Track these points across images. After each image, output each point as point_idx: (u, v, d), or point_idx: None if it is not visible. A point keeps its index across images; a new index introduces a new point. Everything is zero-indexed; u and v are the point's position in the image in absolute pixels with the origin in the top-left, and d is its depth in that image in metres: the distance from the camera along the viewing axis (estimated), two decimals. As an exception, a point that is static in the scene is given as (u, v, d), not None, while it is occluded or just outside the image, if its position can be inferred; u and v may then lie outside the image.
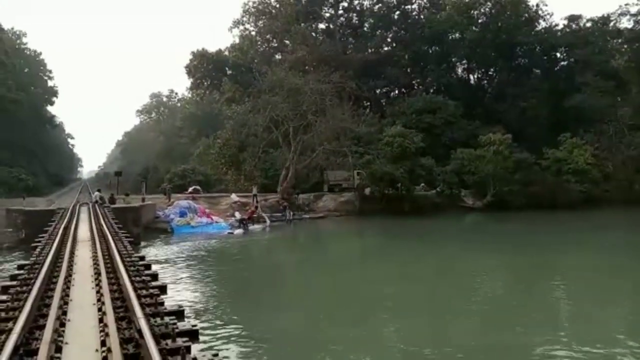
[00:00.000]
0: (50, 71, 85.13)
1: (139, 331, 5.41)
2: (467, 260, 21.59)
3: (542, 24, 69.48)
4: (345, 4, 73.11)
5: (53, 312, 6.19)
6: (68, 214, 22.16)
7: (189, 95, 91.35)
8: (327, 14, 73.46)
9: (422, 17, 71.75)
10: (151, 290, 8.09)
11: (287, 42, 69.89)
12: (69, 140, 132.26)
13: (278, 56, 69.75)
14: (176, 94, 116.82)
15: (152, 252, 23.04)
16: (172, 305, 7.94)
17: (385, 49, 71.94)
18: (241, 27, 73.60)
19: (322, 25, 74.23)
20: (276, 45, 72.14)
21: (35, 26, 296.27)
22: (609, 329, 11.93)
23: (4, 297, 7.87)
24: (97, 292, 7.83)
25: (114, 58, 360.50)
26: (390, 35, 72.86)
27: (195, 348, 6.11)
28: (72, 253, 11.81)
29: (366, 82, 63.51)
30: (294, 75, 49.02)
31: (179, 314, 7.37)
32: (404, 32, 70.95)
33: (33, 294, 7.10)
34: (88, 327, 6.24)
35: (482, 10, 68.99)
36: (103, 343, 5.46)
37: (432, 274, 19.28)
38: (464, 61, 71.85)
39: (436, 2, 72.07)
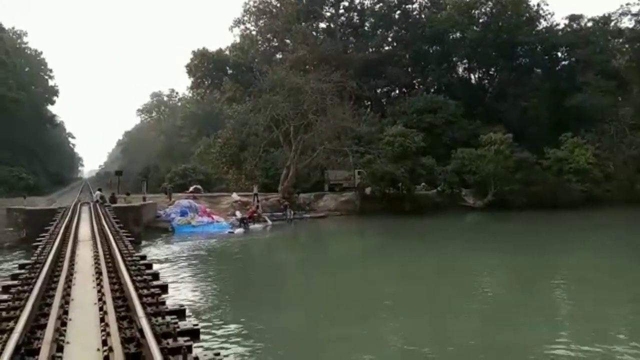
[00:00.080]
0: (50, 70, 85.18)
1: (140, 330, 5.41)
2: (468, 260, 21.59)
3: (543, 24, 69.46)
4: (346, 3, 73.11)
5: (54, 312, 6.20)
6: (69, 214, 22.16)
7: (190, 95, 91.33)
8: (328, 13, 73.49)
9: (422, 16, 71.67)
10: (152, 290, 8.09)
11: (287, 41, 69.85)
12: (70, 139, 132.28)
13: (279, 55, 69.68)
14: (177, 93, 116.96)
15: (153, 251, 23.06)
16: (173, 305, 7.94)
17: (386, 48, 71.86)
18: (242, 27, 73.67)
19: (322, 25, 74.26)
20: (277, 44, 72.09)
21: (36, 26, 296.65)
22: (609, 328, 11.93)
23: (5, 297, 7.88)
24: (99, 291, 7.83)
25: (114, 57, 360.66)
26: (391, 35, 72.78)
27: (196, 347, 6.10)
28: (73, 252, 11.82)
29: (367, 81, 63.47)
30: (295, 74, 49.00)
31: (180, 313, 7.37)
32: (404, 31, 70.87)
33: (34, 293, 7.11)
34: (89, 327, 6.24)
35: (483, 10, 68.91)
36: (104, 342, 5.47)
37: (433, 274, 19.28)
38: (465, 61, 71.76)
39: (437, 2, 71.95)
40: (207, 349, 8.28)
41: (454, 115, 56.34)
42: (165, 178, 53.45)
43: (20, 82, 65.86)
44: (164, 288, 9.25)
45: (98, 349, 5.44)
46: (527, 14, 67.59)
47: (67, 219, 19.71)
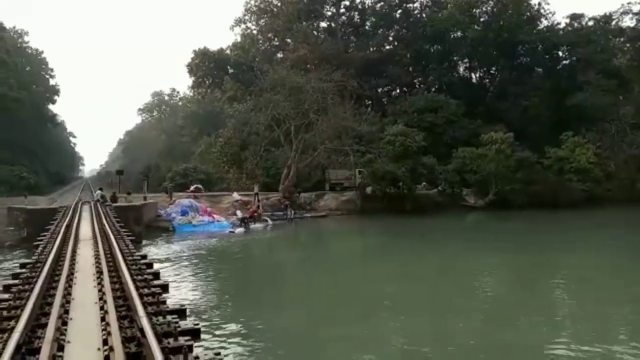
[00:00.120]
0: (51, 70, 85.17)
1: (141, 330, 5.41)
2: (469, 259, 21.58)
3: (544, 23, 69.53)
4: (347, 3, 73.11)
5: (55, 311, 6.20)
6: (70, 213, 22.15)
7: (191, 94, 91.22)
8: (329, 13, 73.45)
9: (423, 15, 71.69)
10: (153, 289, 8.09)
11: (288, 40, 69.87)
12: (71, 138, 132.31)
13: (280, 55, 69.69)
14: (178, 92, 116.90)
15: (154, 250, 23.08)
16: (174, 304, 7.94)
17: (387, 47, 71.84)
18: (243, 26, 73.66)
19: (323, 24, 74.27)
20: (278, 43, 72.07)
21: (37, 25, 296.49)
22: (609, 328, 11.94)
23: (6, 296, 7.88)
24: (99, 290, 7.83)
25: (115, 57, 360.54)
26: (392, 34, 72.78)
27: (197, 347, 6.10)
28: (74, 252, 11.82)
29: (368, 80, 63.48)
30: (296, 73, 49.00)
31: (181, 312, 7.36)
32: (405, 30, 70.87)
33: (35, 292, 7.11)
34: (90, 326, 6.24)
35: (484, 9, 68.92)
36: (105, 342, 5.47)
37: (434, 273, 19.27)
38: (466, 60, 71.74)
39: (438, 1, 71.98)
40: (207, 348, 8.29)
41: (454, 115, 56.34)
42: (166, 177, 53.48)
43: (21, 82, 65.86)
44: (165, 287, 9.24)
45: (99, 349, 5.44)
46: (528, 13, 67.62)
47: (68, 218, 19.71)
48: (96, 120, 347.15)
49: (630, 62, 65.11)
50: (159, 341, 5.15)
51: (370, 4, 73.16)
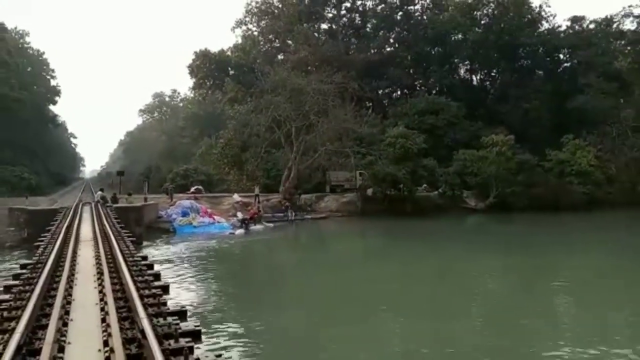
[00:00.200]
0: (53, 70, 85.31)
1: (142, 331, 5.40)
2: (469, 262, 21.56)
3: (545, 25, 69.49)
4: (348, 5, 73.18)
5: (56, 312, 6.20)
6: (70, 214, 22.16)
7: (192, 95, 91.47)
8: (330, 15, 73.48)
9: (424, 17, 71.71)
10: (154, 290, 8.08)
11: (289, 42, 69.91)
12: (72, 139, 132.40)
13: (280, 56, 69.73)
14: (179, 93, 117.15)
15: (155, 251, 23.07)
16: (175, 305, 7.93)
17: (388, 49, 71.90)
18: (244, 27, 73.82)
19: (324, 26, 74.30)
20: (278, 45, 72.12)
21: (37, 26, 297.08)
22: (611, 331, 11.91)
23: (6, 297, 7.88)
24: (100, 291, 7.83)
25: (116, 58, 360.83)
26: (393, 36, 72.85)
27: (198, 348, 6.10)
28: (74, 252, 11.82)
29: (368, 82, 63.51)
30: (297, 75, 49.00)
31: (182, 314, 7.35)
32: (406, 32, 70.91)
33: (36, 293, 7.10)
34: (91, 327, 6.24)
35: (485, 12, 68.94)
36: (106, 343, 5.46)
37: (434, 275, 19.25)
38: (467, 62, 71.82)
39: (439, 3, 72.00)
40: (208, 350, 8.28)
41: (455, 117, 56.35)
42: (166, 178, 53.51)
43: (22, 82, 66.01)
44: (166, 289, 9.24)
45: (99, 350, 5.44)
46: (529, 16, 67.62)
47: (68, 219, 19.71)
48: (97, 121, 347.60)
49: (631, 65, 65.11)
50: (160, 343, 5.14)
51: (371, 6, 73.25)
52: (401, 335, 11.79)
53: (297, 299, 15.52)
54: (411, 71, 71.52)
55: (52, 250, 11.66)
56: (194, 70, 68.58)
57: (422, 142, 44.92)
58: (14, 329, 5.57)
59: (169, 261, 20.71)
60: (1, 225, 25.22)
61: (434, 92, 65.10)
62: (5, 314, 6.73)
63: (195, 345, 5.98)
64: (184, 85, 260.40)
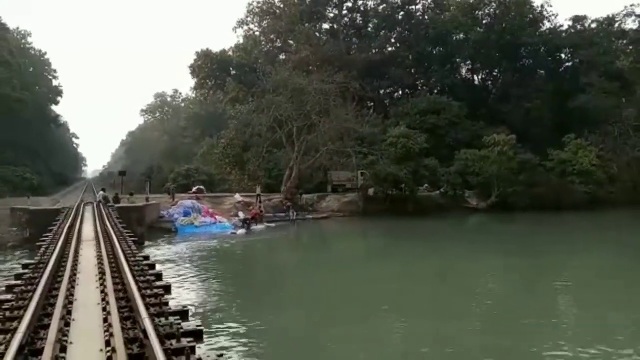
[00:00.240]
0: (55, 71, 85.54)
1: (144, 331, 5.41)
2: (471, 262, 21.54)
3: (547, 25, 69.37)
4: (350, 5, 73.17)
5: (58, 312, 6.21)
6: (73, 214, 22.20)
7: (193, 95, 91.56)
8: (331, 15, 73.49)
9: (426, 17, 71.65)
10: (156, 290, 8.09)
11: (291, 42, 69.93)
12: (74, 139, 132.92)
13: (282, 56, 69.73)
14: (180, 94, 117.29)
15: (156, 251, 23.10)
16: (177, 305, 7.94)
17: (390, 49, 71.88)
18: (245, 28, 73.84)
19: (326, 26, 74.28)
20: (280, 45, 72.14)
21: (39, 26, 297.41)
22: (612, 331, 11.89)
23: (9, 297, 7.89)
24: (102, 291, 7.84)
25: (118, 58, 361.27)
26: (395, 36, 72.80)
27: (199, 348, 6.10)
28: (76, 252, 11.84)
29: (370, 82, 63.48)
30: (298, 75, 49.04)
31: (184, 314, 7.36)
32: (408, 32, 70.86)
33: (38, 293, 7.11)
34: (93, 327, 6.25)
35: (487, 11, 68.82)
36: (108, 343, 5.47)
37: (436, 275, 19.23)
38: (469, 62, 71.69)
39: (440, 3, 71.91)
40: (210, 350, 8.29)
41: (457, 117, 56.27)
42: (168, 178, 53.55)
43: (24, 83, 66.15)
44: (168, 289, 9.24)
45: (101, 350, 5.44)
46: (531, 16, 67.46)
47: (70, 219, 19.74)
48: (99, 121, 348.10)
49: (633, 65, 64.95)
50: (162, 343, 5.15)
51: (372, 6, 73.19)
52: (402, 335, 11.80)
53: (299, 299, 15.53)
54: (413, 71, 71.46)
55: (54, 250, 11.67)
56: (195, 70, 68.65)
57: (424, 142, 44.88)
58: (16, 329, 5.58)
59: (170, 261, 20.74)
60: (4, 226, 25.29)
61: (435, 92, 64.97)
62: (7, 313, 6.74)
63: (197, 345, 5.99)
64: (186, 85, 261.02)
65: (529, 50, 66.66)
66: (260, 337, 11.11)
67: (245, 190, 43.79)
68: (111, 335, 5.57)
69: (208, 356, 5.57)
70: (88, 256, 11.71)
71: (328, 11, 72.85)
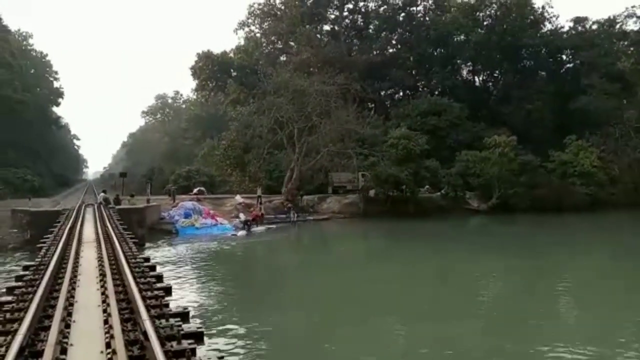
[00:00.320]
0: (56, 72, 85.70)
1: (144, 333, 5.40)
2: (472, 263, 21.52)
3: (548, 26, 69.32)
4: (350, 6, 73.15)
5: (58, 314, 6.20)
6: (73, 215, 22.20)
7: (194, 97, 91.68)
8: (332, 16, 73.50)
9: (427, 19, 71.64)
10: (156, 292, 8.09)
11: (292, 43, 69.96)
12: (75, 141, 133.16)
13: (283, 58, 69.78)
14: (181, 95, 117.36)
15: (157, 253, 23.08)
16: (177, 307, 7.93)
17: (390, 50, 71.90)
18: (246, 29, 73.93)
19: (327, 27, 74.31)
20: (281, 46, 72.18)
21: (41, 27, 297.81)
22: (613, 333, 11.86)
23: (9, 298, 7.89)
24: (102, 293, 7.83)
25: (119, 59, 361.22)
26: (395, 37, 72.81)
27: (200, 350, 6.09)
28: (77, 254, 11.84)
29: (371, 84, 63.47)
30: (299, 76, 49.04)
31: (184, 315, 7.35)
32: (408, 34, 70.88)
33: (38, 295, 7.11)
34: (93, 329, 6.24)
35: (488, 13, 68.79)
36: (108, 345, 5.47)
37: (437, 277, 19.22)
38: (469, 63, 71.66)
39: (441, 4, 71.91)
40: (210, 351, 8.28)
41: (458, 118, 56.25)
42: (169, 180, 53.57)
43: (25, 84, 66.22)
44: (168, 290, 9.24)
45: (102, 352, 5.44)
46: (532, 17, 67.45)
47: (71, 221, 19.73)
48: (100, 123, 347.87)
49: (634, 66, 65.01)
50: (162, 344, 5.14)
51: (373, 8, 73.21)
52: (403, 336, 11.79)
53: (299, 300, 15.52)
54: (413, 72, 71.46)
55: (55, 251, 11.67)
56: (196, 71, 68.71)
57: (425, 143, 44.86)
58: (16, 331, 5.58)
59: (171, 262, 20.74)
60: (4, 227, 25.27)
61: (436, 93, 65.02)
62: (7, 315, 6.74)
63: (198, 347, 5.98)
64: (187, 86, 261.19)
65: (529, 51, 66.62)
66: (261, 339, 11.09)
67: (246, 192, 43.79)
68: (111, 336, 5.56)
69: (209, 358, 5.56)
70: (88, 258, 11.70)
71: (329, 12, 72.88)
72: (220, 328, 11.55)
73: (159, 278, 10.21)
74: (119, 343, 5.24)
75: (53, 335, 5.41)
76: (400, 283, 17.56)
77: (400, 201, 42.53)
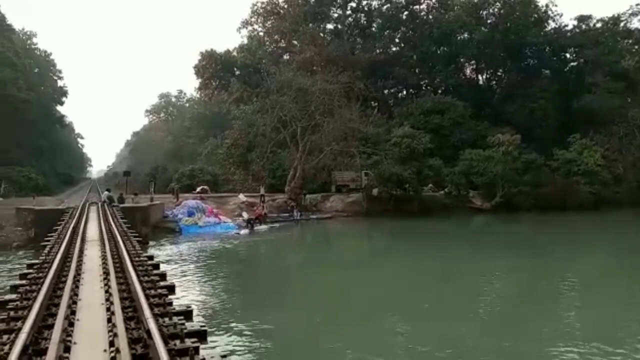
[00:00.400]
0: (59, 71, 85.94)
1: (148, 331, 5.40)
2: (475, 262, 21.48)
3: (552, 25, 69.05)
4: (354, 5, 72.98)
5: (62, 312, 6.21)
6: (77, 214, 22.24)
7: (198, 96, 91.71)
8: (335, 15, 73.34)
9: (430, 17, 71.42)
10: (159, 290, 8.10)
11: (295, 42, 69.88)
12: (79, 139, 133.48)
13: (286, 56, 69.74)
14: (185, 94, 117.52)
15: (161, 251, 23.12)
16: (181, 305, 7.94)
17: (394, 49, 71.70)
18: (249, 28, 73.84)
19: (330, 26, 74.15)
20: (284, 45, 72.13)
21: (45, 26, 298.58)
22: (616, 331, 11.83)
23: (13, 296, 7.91)
24: (106, 291, 7.83)
25: (123, 58, 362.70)
26: (399, 36, 72.63)
27: (203, 348, 6.09)
28: (81, 252, 11.86)
29: (374, 82, 63.38)
30: (302, 75, 48.98)
31: (188, 314, 7.37)
32: (412, 32, 70.68)
33: (42, 293, 7.13)
34: (97, 327, 6.25)
35: (491, 11, 68.61)
36: (111, 343, 5.46)
37: (440, 276, 19.18)
38: (473, 62, 71.50)
39: (445, 3, 71.70)
40: (214, 350, 8.28)
41: (461, 117, 56.12)
42: (172, 178, 53.69)
43: (29, 83, 66.40)
44: (171, 288, 9.25)
45: (105, 350, 5.44)
46: (536, 15, 67.18)
47: (75, 219, 19.79)
48: (104, 122, 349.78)
49: (639, 64, 64.71)
50: (166, 343, 5.15)
51: (376, 6, 72.99)
52: (405, 336, 11.75)
53: (302, 299, 15.51)
54: (417, 71, 71.25)
55: (59, 250, 11.70)
56: (200, 70, 68.71)
57: (428, 142, 44.80)
58: (20, 329, 5.59)
59: (174, 261, 20.76)
60: (8, 225, 25.35)
61: (439, 91, 64.90)
62: (11, 313, 6.76)
63: (201, 346, 5.98)
64: (190, 85, 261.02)
65: (533, 49, 66.38)
66: (264, 337, 11.09)
67: (249, 190, 43.81)
68: (115, 335, 5.57)
69: (212, 356, 5.56)
70: (92, 256, 11.73)
71: (332, 11, 72.74)
72: (224, 326, 11.55)
73: (163, 276, 10.24)
74: (122, 341, 5.25)
75: (57, 333, 5.42)
76: (403, 282, 17.53)
77: (404, 200, 42.48)
